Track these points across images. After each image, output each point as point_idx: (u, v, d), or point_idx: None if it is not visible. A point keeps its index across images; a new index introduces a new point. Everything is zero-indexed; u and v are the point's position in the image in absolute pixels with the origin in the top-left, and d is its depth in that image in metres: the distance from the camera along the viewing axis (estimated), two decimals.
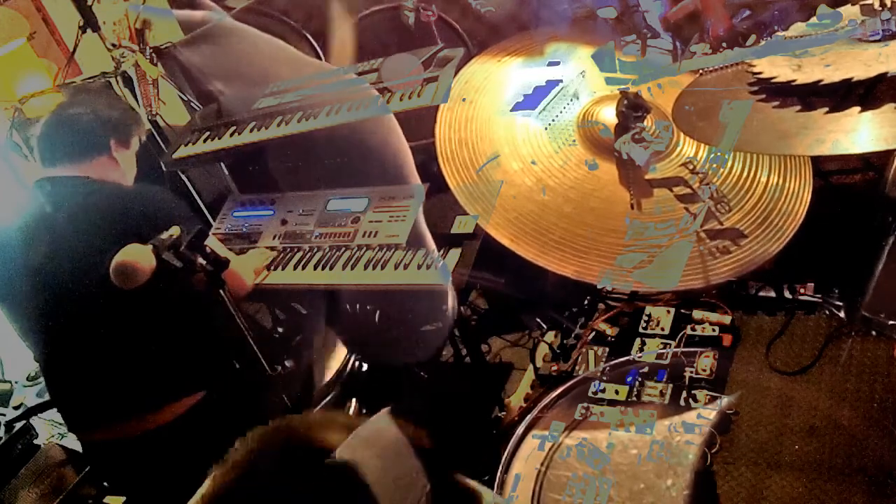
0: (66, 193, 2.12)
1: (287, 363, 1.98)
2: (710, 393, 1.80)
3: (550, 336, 2.45)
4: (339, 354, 2.76)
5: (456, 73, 2.41)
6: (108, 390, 2.10)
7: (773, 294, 2.17)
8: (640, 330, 2.11)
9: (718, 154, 2.22)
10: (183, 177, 3.16)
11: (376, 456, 0.84)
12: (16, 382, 3.16)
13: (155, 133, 3.16)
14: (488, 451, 2.07)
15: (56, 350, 2.15)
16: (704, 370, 1.87)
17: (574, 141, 2.24)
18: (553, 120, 2.28)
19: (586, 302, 2.38)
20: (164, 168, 2.90)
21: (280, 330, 2.85)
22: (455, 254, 2.29)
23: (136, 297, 1.81)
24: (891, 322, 1.81)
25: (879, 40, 1.69)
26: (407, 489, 0.82)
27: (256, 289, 2.43)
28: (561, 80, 2.37)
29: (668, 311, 2.11)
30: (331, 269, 2.45)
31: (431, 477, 0.84)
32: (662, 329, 2.08)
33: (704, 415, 1.74)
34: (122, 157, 2.24)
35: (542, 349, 2.41)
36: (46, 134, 2.18)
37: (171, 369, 2.09)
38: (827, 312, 2.01)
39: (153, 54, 3.10)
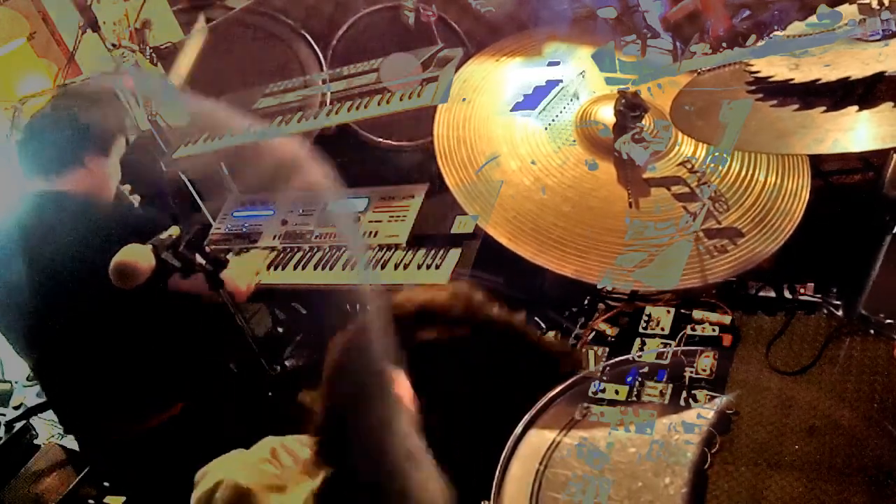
0: (49, 208, 2.10)
1: (287, 363, 1.99)
2: (710, 393, 1.79)
3: (550, 336, 2.45)
4: None
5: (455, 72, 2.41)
6: (108, 390, 2.10)
7: (773, 294, 2.17)
8: (640, 330, 2.10)
9: (717, 154, 2.22)
10: (183, 177, 3.16)
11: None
12: (16, 382, 3.17)
13: (155, 133, 3.16)
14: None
15: (54, 351, 2.15)
16: (704, 370, 1.86)
17: (574, 141, 2.24)
18: (553, 120, 2.28)
19: (586, 302, 2.38)
20: (163, 168, 2.90)
21: (280, 330, 2.85)
22: (455, 254, 2.29)
23: (137, 297, 1.82)
24: (890, 322, 1.80)
25: (879, 40, 1.68)
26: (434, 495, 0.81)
27: (256, 289, 2.43)
28: (561, 80, 2.37)
29: (668, 311, 2.11)
30: (331, 269, 2.45)
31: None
32: (662, 329, 2.08)
33: (704, 414, 1.74)
34: (100, 167, 2.19)
35: None
36: (22, 148, 2.16)
37: (171, 369, 2.09)
38: (826, 312, 2.01)
39: (153, 54, 3.11)
